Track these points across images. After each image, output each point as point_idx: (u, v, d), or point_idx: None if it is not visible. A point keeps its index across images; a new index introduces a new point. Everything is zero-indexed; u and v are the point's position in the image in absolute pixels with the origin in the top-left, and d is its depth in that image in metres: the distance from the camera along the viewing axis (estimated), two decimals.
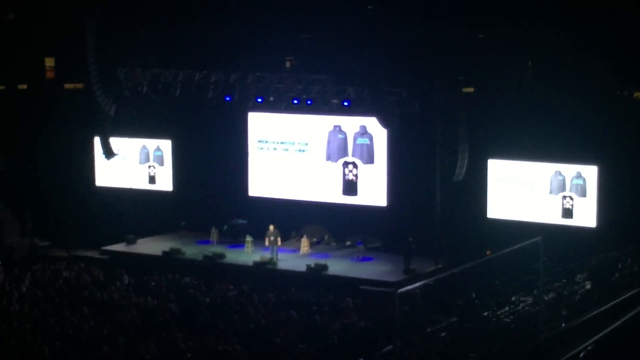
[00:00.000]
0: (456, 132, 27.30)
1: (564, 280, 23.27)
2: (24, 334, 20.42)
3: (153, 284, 25.78)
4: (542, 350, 15.57)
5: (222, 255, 29.61)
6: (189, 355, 19.25)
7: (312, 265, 28.00)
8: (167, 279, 26.17)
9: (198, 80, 30.34)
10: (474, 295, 22.14)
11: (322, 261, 28.36)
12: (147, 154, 33.54)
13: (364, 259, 29.18)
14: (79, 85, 33.41)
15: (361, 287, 26.38)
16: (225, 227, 31.71)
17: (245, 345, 19.71)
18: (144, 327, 21.25)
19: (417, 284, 17.99)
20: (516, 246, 15.92)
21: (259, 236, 29.72)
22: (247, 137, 31.89)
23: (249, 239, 30.22)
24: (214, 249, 30.42)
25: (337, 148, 30.45)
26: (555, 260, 23.59)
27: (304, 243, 30.22)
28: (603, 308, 16.99)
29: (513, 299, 22.13)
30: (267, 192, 31.77)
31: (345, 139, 30.33)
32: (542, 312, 16.89)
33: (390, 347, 18.21)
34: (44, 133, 34.54)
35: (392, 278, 26.78)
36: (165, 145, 33.28)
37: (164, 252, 30.22)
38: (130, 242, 31.59)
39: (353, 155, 30.24)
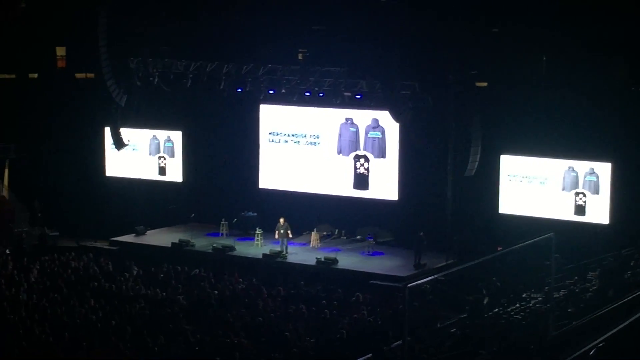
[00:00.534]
0: (469, 126, 27.10)
1: (576, 278, 23.15)
2: (32, 324, 20.39)
3: (162, 275, 25.74)
4: (553, 347, 15.45)
5: (231, 248, 29.51)
6: (197, 347, 19.19)
7: (322, 259, 27.88)
8: (176, 271, 26.10)
9: (210, 71, 30.24)
10: (484, 292, 22.02)
11: (332, 255, 28.23)
12: (158, 145, 33.45)
13: (374, 254, 29.04)
14: (90, 75, 33.30)
15: (371, 281, 26.29)
16: (235, 220, 31.59)
17: (253, 338, 19.63)
18: (152, 319, 21.20)
19: (428, 279, 17.92)
20: (528, 242, 15.79)
21: (269, 229, 29.58)
22: (258, 129, 31.76)
23: (258, 231, 30.11)
24: (224, 241, 30.31)
25: (349, 141, 30.29)
26: (567, 257, 23.50)
27: (314, 236, 30.10)
28: (615, 305, 16.85)
29: (524, 295, 22.03)
30: (277, 185, 31.65)
31: (357, 132, 30.17)
32: (553, 309, 16.77)
33: (399, 342, 18.13)
34: (54, 123, 34.53)
35: (402, 273, 26.62)
36: (176, 137, 33.17)
37: (174, 244, 30.14)
38: (139, 233, 31.53)
39: (364, 149, 30.07)
